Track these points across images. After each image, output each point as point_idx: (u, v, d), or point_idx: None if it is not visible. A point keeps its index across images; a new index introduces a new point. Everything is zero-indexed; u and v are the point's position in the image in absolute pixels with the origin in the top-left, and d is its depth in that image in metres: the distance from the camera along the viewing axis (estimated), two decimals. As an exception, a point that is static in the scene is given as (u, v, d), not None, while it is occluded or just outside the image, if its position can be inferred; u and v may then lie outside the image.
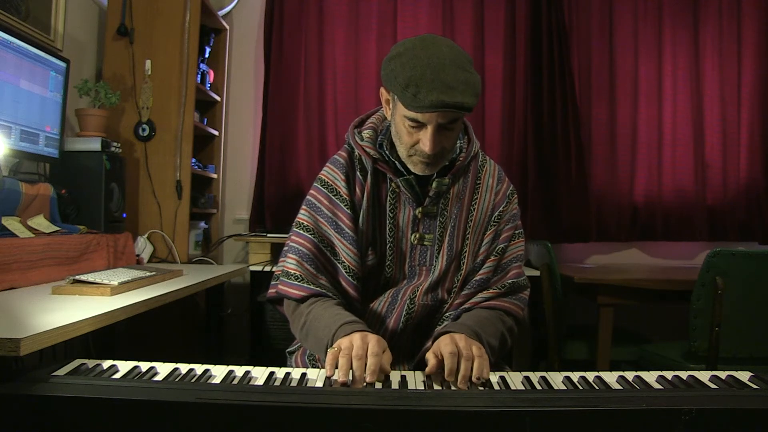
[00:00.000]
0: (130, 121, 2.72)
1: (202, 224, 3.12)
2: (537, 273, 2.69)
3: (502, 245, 1.32)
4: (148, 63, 2.72)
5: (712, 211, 3.24)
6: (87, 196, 2.25)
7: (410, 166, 1.25)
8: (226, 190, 3.34)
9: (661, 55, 3.26)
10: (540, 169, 3.16)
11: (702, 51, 3.26)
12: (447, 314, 1.29)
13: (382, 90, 1.26)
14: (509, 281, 1.30)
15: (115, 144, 2.40)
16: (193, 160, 2.83)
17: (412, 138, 1.19)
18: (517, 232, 1.36)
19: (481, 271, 1.30)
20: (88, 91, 2.45)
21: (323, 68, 3.21)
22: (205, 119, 3.17)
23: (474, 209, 1.32)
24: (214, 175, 3.20)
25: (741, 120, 3.27)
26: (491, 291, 1.29)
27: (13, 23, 2.13)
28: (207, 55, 3.09)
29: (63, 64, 2.16)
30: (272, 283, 1.36)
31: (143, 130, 2.72)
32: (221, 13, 3.23)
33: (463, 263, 1.29)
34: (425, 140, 1.16)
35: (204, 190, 3.16)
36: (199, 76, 2.87)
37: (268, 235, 2.93)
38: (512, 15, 3.21)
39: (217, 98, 3.18)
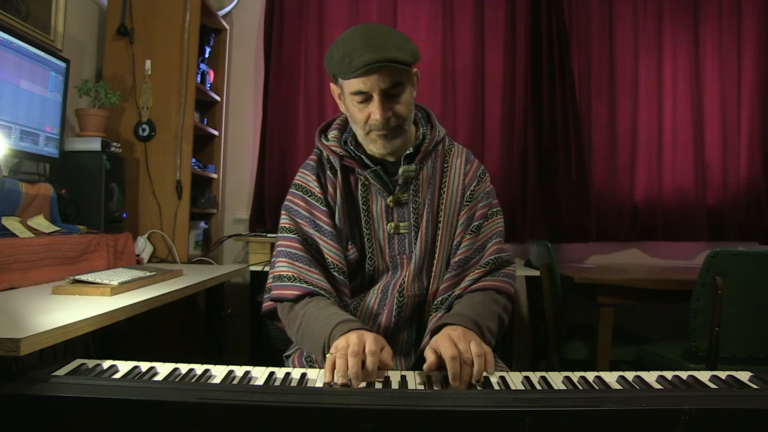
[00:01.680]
0: (130, 121, 2.72)
1: (202, 224, 3.12)
2: (537, 273, 2.69)
3: (476, 223, 1.33)
4: (148, 63, 2.72)
5: (712, 211, 3.24)
6: (87, 196, 2.25)
7: (371, 147, 1.28)
8: (226, 190, 3.34)
9: (661, 55, 3.26)
10: (540, 169, 3.16)
11: (702, 51, 3.26)
12: (436, 301, 1.29)
13: (332, 86, 1.30)
14: (491, 257, 1.31)
15: (115, 144, 2.40)
16: (193, 160, 2.83)
17: (364, 114, 1.23)
18: (493, 210, 1.37)
19: (459, 252, 1.31)
20: (88, 91, 2.45)
21: (323, 68, 3.20)
22: (205, 119, 3.17)
23: (444, 192, 1.34)
24: (214, 175, 3.20)
25: (741, 120, 3.27)
26: (476, 271, 1.29)
27: (13, 23, 2.13)
28: (207, 55, 3.09)
29: (63, 64, 2.16)
30: (265, 296, 1.36)
31: (143, 130, 2.71)
32: (221, 13, 3.23)
33: (438, 246, 1.31)
34: (374, 109, 1.21)
35: (204, 190, 3.16)
36: (199, 76, 2.87)
37: (268, 235, 2.92)
38: (512, 15, 3.21)
39: (217, 98, 3.18)
